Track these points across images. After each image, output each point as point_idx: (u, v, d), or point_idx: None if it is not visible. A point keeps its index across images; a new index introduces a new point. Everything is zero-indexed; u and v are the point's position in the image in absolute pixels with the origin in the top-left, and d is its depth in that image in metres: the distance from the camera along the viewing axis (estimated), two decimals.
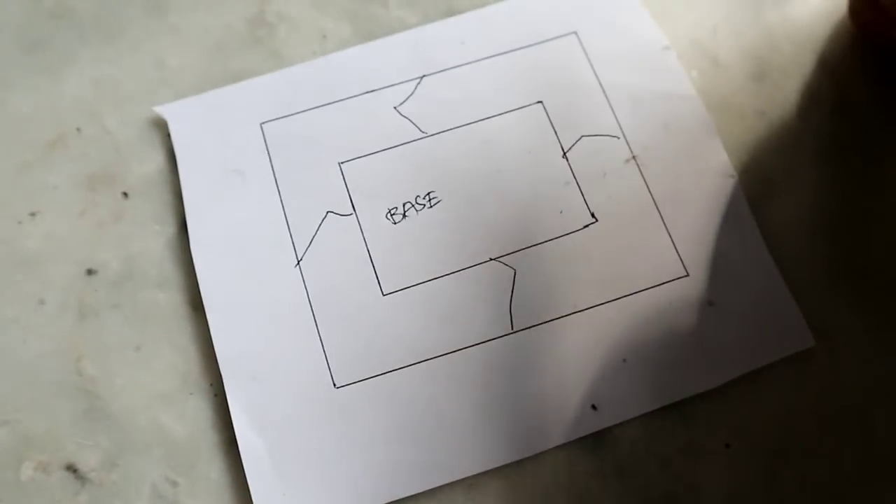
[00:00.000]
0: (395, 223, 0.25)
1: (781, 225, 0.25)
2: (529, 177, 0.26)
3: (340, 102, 0.27)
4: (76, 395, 0.24)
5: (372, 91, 0.27)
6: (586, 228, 0.25)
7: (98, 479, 0.23)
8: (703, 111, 0.26)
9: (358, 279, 0.24)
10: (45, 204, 0.26)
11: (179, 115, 0.27)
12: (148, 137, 0.27)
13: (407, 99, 0.27)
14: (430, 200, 0.26)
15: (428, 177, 0.26)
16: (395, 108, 0.27)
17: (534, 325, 0.24)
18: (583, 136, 0.26)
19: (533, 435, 0.23)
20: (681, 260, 0.24)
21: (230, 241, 0.25)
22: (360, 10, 0.29)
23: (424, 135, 0.27)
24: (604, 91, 0.27)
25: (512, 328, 0.24)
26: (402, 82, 0.27)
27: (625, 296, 0.24)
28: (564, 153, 0.26)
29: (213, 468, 0.23)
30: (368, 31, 0.28)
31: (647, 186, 0.25)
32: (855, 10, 0.26)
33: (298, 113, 0.27)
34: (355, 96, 0.27)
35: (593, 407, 0.23)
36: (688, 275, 0.24)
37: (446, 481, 0.22)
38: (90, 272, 0.25)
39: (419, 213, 0.25)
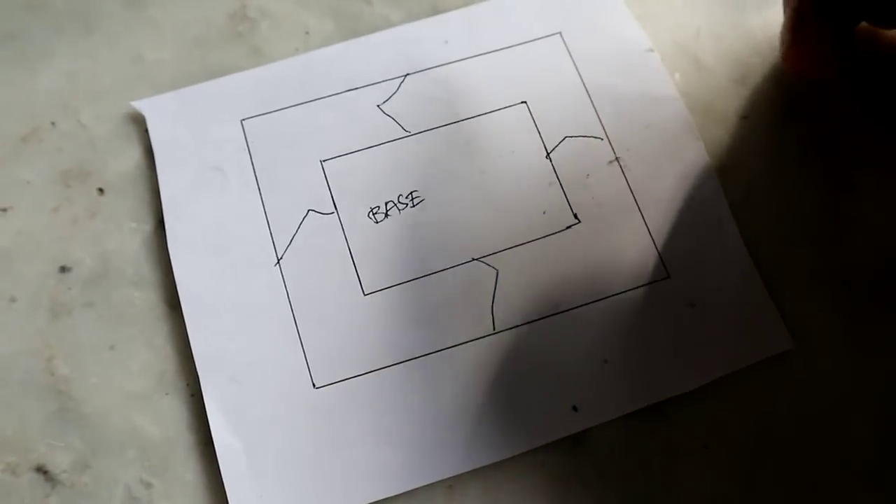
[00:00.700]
0: (376, 222, 0.25)
1: (762, 228, 0.25)
2: (513, 177, 0.26)
3: (323, 100, 0.27)
4: (47, 395, 0.23)
5: (355, 89, 0.27)
6: (569, 229, 0.25)
7: (69, 480, 0.22)
8: (686, 114, 0.27)
9: (339, 279, 0.24)
10: (18, 199, 0.26)
11: (157, 111, 0.26)
12: (124, 133, 0.26)
13: (390, 97, 0.27)
14: (412, 200, 0.25)
15: (411, 176, 0.26)
16: (378, 106, 0.27)
17: (516, 326, 0.24)
18: (566, 136, 0.26)
19: (513, 436, 0.22)
20: (662, 262, 0.25)
21: (209, 240, 0.25)
22: (343, 6, 0.29)
23: (407, 134, 0.26)
24: (588, 92, 0.27)
25: (494, 329, 0.24)
26: (385, 80, 0.27)
27: (606, 297, 0.24)
28: (548, 154, 0.26)
29: (189, 470, 0.22)
30: (351, 28, 0.28)
31: (630, 188, 0.26)
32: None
33: (280, 110, 0.27)
34: (338, 94, 0.27)
35: (574, 408, 0.23)
36: (669, 276, 0.24)
37: (426, 482, 0.22)
38: (63, 269, 0.25)
39: (401, 212, 0.25)
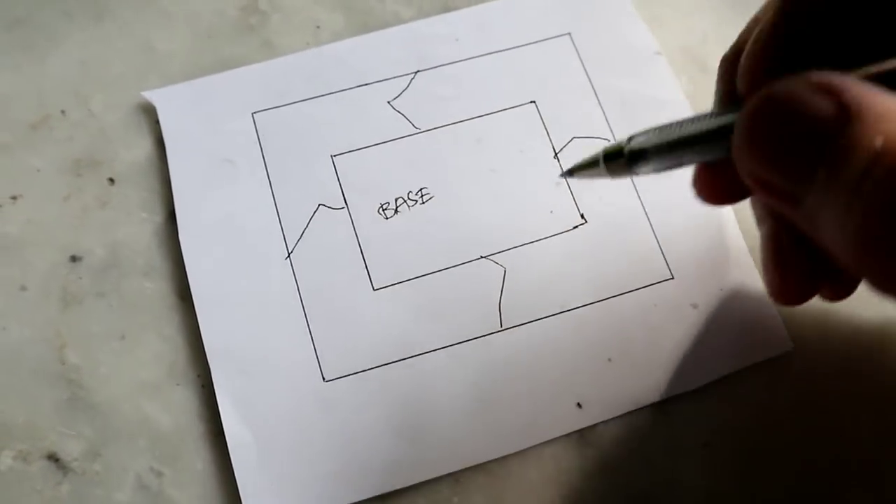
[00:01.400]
0: (386, 218, 0.25)
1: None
2: (521, 176, 0.26)
3: (334, 95, 0.27)
4: (59, 384, 0.23)
5: (366, 84, 0.27)
6: (576, 229, 0.25)
7: (81, 468, 0.23)
8: None
9: (348, 273, 0.24)
10: (28, 187, 0.25)
11: (169, 101, 0.26)
12: (136, 122, 0.26)
13: (401, 94, 0.27)
14: (422, 196, 0.26)
15: (420, 173, 0.26)
16: (388, 102, 0.27)
17: (522, 324, 0.24)
18: (574, 137, 0.27)
19: (519, 431, 0.23)
20: (666, 263, 0.25)
21: (219, 232, 0.25)
22: (354, 1, 0.29)
23: (418, 130, 0.27)
24: (595, 93, 0.27)
25: (501, 326, 0.24)
26: (396, 77, 0.27)
27: (611, 296, 0.25)
28: (556, 154, 0.26)
29: (199, 459, 0.23)
30: (362, 23, 0.28)
31: (636, 190, 0.26)
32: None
33: (291, 104, 0.27)
34: (349, 89, 0.27)
35: (578, 405, 0.23)
36: (673, 278, 0.25)
37: (433, 476, 0.22)
38: (74, 259, 0.25)
39: (411, 208, 0.25)
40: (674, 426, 0.23)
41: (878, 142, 0.12)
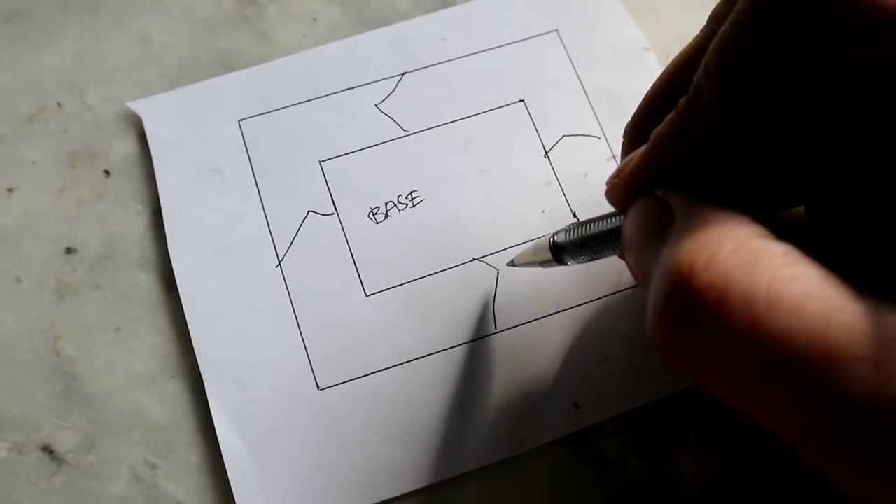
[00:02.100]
0: (377, 223, 0.25)
1: None
2: (512, 176, 0.26)
3: (320, 99, 0.27)
4: (53, 376, 0.23)
5: (352, 88, 0.27)
6: None
7: (75, 460, 0.22)
8: None
9: (340, 280, 0.24)
10: (23, 179, 0.25)
11: (154, 112, 0.26)
12: (131, 115, 0.26)
13: (388, 96, 0.27)
14: (412, 200, 0.25)
15: (410, 176, 0.26)
16: (376, 105, 0.27)
17: (517, 325, 0.24)
18: (564, 135, 0.26)
19: (517, 434, 0.23)
20: None
21: (209, 242, 0.25)
22: None
23: (406, 133, 0.26)
24: (584, 90, 0.27)
25: (495, 328, 0.24)
26: (382, 79, 0.27)
27: (606, 295, 0.24)
28: (546, 153, 0.26)
29: (194, 451, 0.23)
30: (358, 14, 0.28)
31: None
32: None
33: (277, 110, 0.26)
34: (335, 93, 0.27)
35: (576, 405, 0.23)
36: None
37: (430, 482, 0.22)
38: (69, 251, 0.25)
39: (401, 212, 0.25)
40: (671, 422, 0.23)
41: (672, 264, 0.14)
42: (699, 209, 0.15)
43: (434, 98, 0.27)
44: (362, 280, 0.24)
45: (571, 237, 0.21)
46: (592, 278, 0.24)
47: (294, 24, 0.28)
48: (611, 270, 0.25)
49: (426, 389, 0.23)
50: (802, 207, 0.18)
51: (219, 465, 0.22)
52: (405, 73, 0.27)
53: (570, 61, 0.27)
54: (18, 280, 0.24)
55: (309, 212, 0.25)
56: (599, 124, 0.27)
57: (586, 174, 0.26)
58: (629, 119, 0.22)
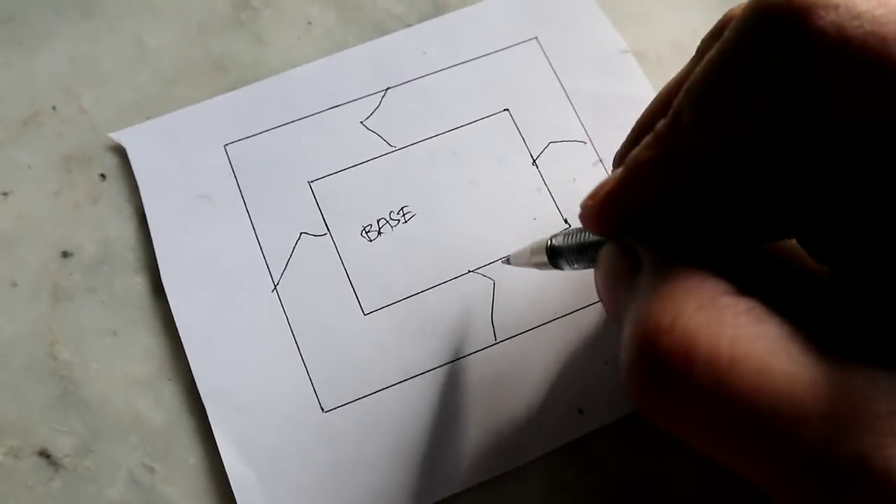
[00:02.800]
0: (370, 240, 0.25)
1: None
2: (501, 186, 0.26)
3: (305, 119, 0.27)
4: (49, 380, 0.23)
5: (337, 106, 0.27)
6: None
7: (72, 464, 0.22)
8: None
9: (337, 300, 0.24)
10: (19, 183, 0.25)
11: (138, 141, 0.26)
12: (126, 119, 0.26)
13: (373, 113, 0.27)
14: (404, 215, 0.25)
15: (400, 191, 0.26)
16: (361, 122, 0.27)
17: (517, 335, 0.24)
18: (550, 142, 0.27)
19: (522, 443, 0.23)
20: None
21: (203, 271, 0.24)
22: None
23: (393, 148, 0.26)
24: (567, 96, 0.27)
25: (495, 339, 0.24)
26: (366, 96, 0.27)
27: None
28: (534, 160, 0.26)
29: (192, 454, 0.23)
30: (354, 19, 0.28)
31: None
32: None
33: (263, 132, 0.26)
34: (320, 112, 0.27)
35: (580, 411, 0.23)
36: None
37: (439, 498, 0.22)
38: (65, 255, 0.24)
39: (394, 228, 0.25)
40: None
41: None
42: (665, 263, 0.15)
43: (419, 112, 0.27)
44: (360, 299, 0.24)
45: (569, 242, 0.21)
46: (589, 283, 0.25)
47: (289, 28, 0.28)
48: None
49: (430, 405, 0.23)
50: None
51: (216, 468, 0.22)
52: (388, 88, 0.27)
53: (552, 67, 0.28)
54: (14, 284, 0.24)
55: (301, 233, 0.25)
56: (584, 129, 0.27)
57: (575, 179, 0.26)
58: (618, 147, 0.22)
